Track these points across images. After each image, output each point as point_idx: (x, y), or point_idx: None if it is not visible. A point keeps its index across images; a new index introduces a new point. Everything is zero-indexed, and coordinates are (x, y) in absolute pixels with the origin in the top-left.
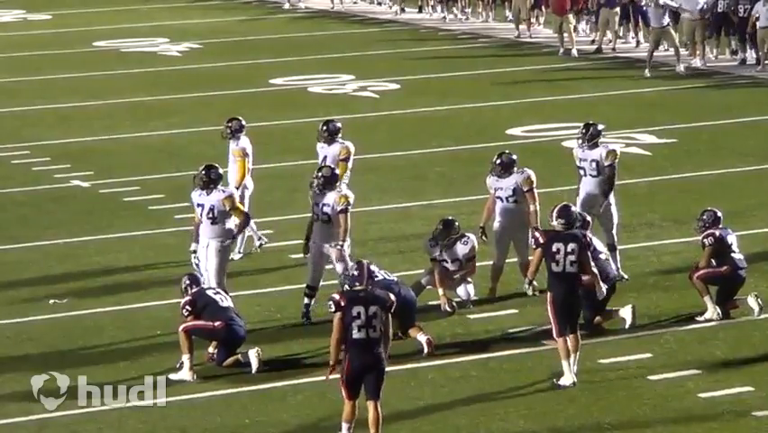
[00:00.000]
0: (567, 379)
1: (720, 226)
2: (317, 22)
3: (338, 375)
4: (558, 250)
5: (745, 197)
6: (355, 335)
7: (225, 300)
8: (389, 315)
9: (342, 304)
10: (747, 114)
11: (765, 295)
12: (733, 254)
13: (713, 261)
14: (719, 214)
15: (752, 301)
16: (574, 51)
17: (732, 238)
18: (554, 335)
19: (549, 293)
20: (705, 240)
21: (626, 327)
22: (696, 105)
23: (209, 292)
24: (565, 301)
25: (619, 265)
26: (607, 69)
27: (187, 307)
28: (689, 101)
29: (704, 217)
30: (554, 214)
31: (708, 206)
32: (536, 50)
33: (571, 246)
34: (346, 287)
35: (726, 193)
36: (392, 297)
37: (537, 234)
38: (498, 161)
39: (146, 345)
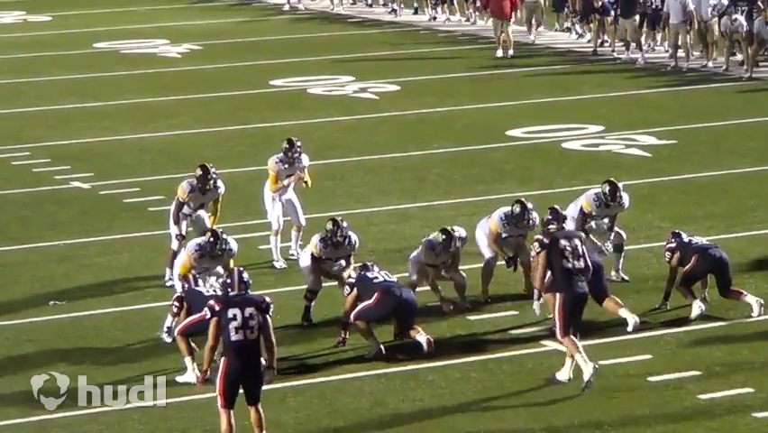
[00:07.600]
0: (587, 373)
1: (678, 239)
2: (317, 23)
3: (213, 383)
4: (565, 247)
5: (745, 197)
6: (233, 337)
7: None
8: (268, 317)
9: (218, 308)
10: (746, 115)
11: (765, 295)
12: (694, 244)
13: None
14: (677, 231)
15: (752, 301)
16: (510, 52)
17: (688, 237)
18: (559, 336)
19: (558, 294)
20: (667, 255)
21: (629, 329)
22: (696, 106)
23: (199, 289)
24: (576, 300)
25: (620, 266)
26: (607, 71)
27: (176, 303)
28: (689, 102)
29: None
30: (550, 218)
31: (707, 207)
32: (537, 51)
33: (575, 242)
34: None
35: (725, 194)
36: (267, 299)
37: (540, 236)
38: None
39: (146, 346)
